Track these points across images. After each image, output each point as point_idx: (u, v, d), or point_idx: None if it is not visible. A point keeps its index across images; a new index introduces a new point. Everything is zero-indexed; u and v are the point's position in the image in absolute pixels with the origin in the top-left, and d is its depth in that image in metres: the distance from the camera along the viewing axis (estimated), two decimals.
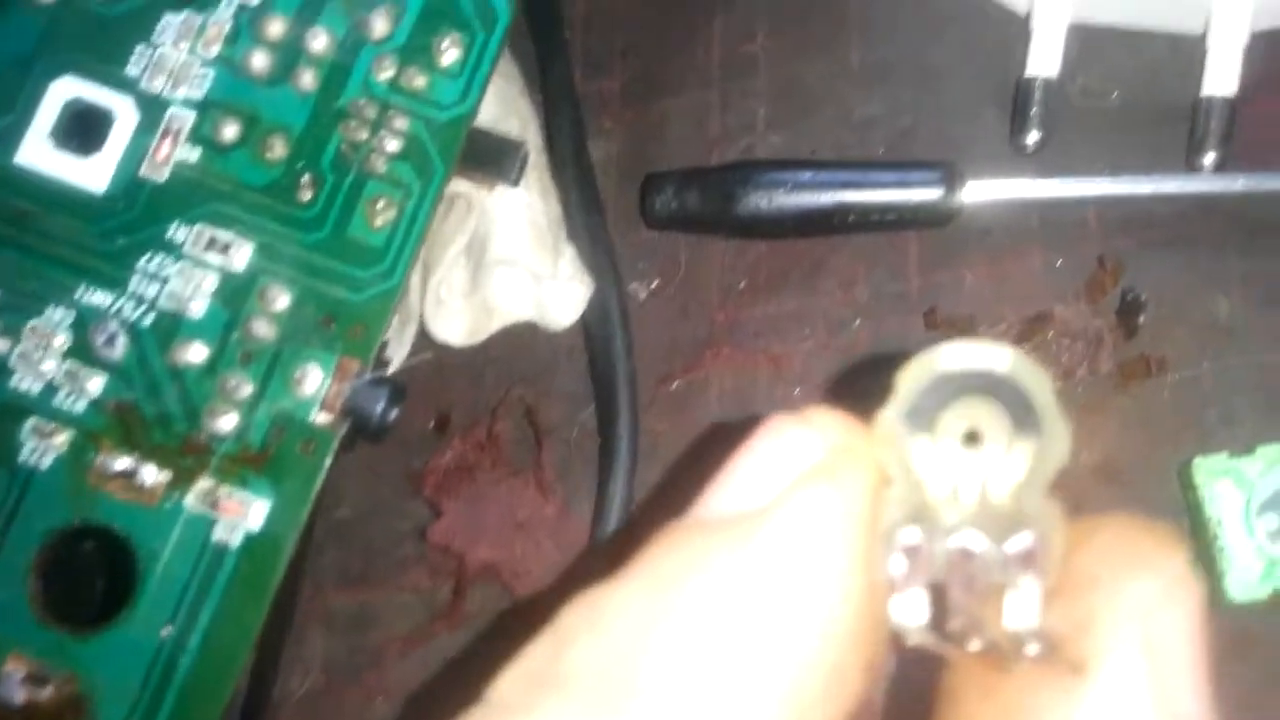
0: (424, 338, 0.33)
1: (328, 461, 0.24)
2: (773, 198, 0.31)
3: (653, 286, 0.34)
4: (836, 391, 0.31)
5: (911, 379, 0.15)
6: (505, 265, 0.31)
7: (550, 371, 0.34)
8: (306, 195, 0.24)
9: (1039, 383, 0.15)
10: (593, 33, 0.37)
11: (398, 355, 0.32)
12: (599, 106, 0.36)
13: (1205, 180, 0.29)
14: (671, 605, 0.13)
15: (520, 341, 0.34)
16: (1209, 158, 0.29)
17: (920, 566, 0.14)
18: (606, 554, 0.30)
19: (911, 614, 0.14)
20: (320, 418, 0.24)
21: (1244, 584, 0.26)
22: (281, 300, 0.24)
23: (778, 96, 0.34)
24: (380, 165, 0.25)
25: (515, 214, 0.32)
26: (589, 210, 0.34)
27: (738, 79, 0.35)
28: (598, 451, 0.32)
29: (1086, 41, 0.32)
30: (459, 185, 0.30)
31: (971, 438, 0.15)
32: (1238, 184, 0.29)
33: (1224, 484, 0.26)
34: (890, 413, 0.15)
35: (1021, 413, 0.15)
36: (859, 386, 0.31)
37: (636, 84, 0.36)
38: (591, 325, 0.33)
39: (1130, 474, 0.29)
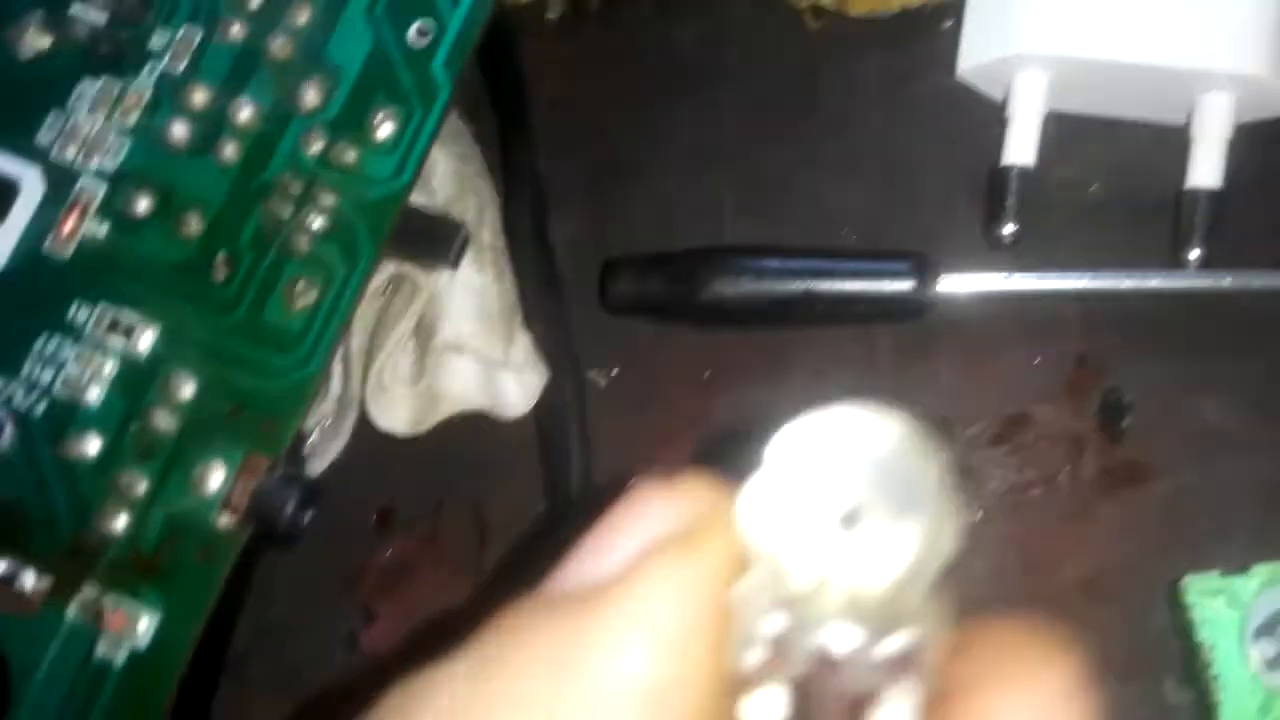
0: (367, 427, 0.30)
1: (226, 571, 0.21)
2: (738, 285, 0.29)
3: (613, 374, 0.31)
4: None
5: (783, 448, 0.13)
6: (454, 351, 0.29)
7: (502, 464, 0.31)
8: (221, 275, 0.22)
9: (927, 459, 0.13)
10: (559, 113, 0.35)
11: (336, 446, 0.29)
12: (563, 188, 0.34)
13: (1191, 277, 0.27)
14: (491, 687, 0.12)
15: (471, 431, 0.31)
16: (1194, 253, 0.27)
17: (780, 661, 0.12)
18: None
19: (765, 715, 0.12)
20: (221, 520, 0.21)
21: (1240, 717, 0.23)
22: (186, 389, 0.21)
23: (745, 183, 0.32)
24: (304, 245, 0.22)
25: (467, 298, 0.29)
26: (547, 294, 0.31)
27: (705, 164, 0.32)
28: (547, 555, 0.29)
29: (1066, 130, 0.30)
30: (403, 266, 0.27)
31: (850, 518, 0.12)
32: (1225, 281, 0.27)
33: (1217, 605, 0.23)
34: (756, 484, 0.13)
35: (908, 493, 0.12)
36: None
37: (602, 166, 0.34)
38: (545, 417, 0.30)
39: (1117, 589, 0.26)
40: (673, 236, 0.32)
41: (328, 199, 0.22)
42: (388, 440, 0.31)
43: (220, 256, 0.22)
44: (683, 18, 0.35)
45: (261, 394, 0.21)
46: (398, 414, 0.29)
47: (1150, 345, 0.27)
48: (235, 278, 0.22)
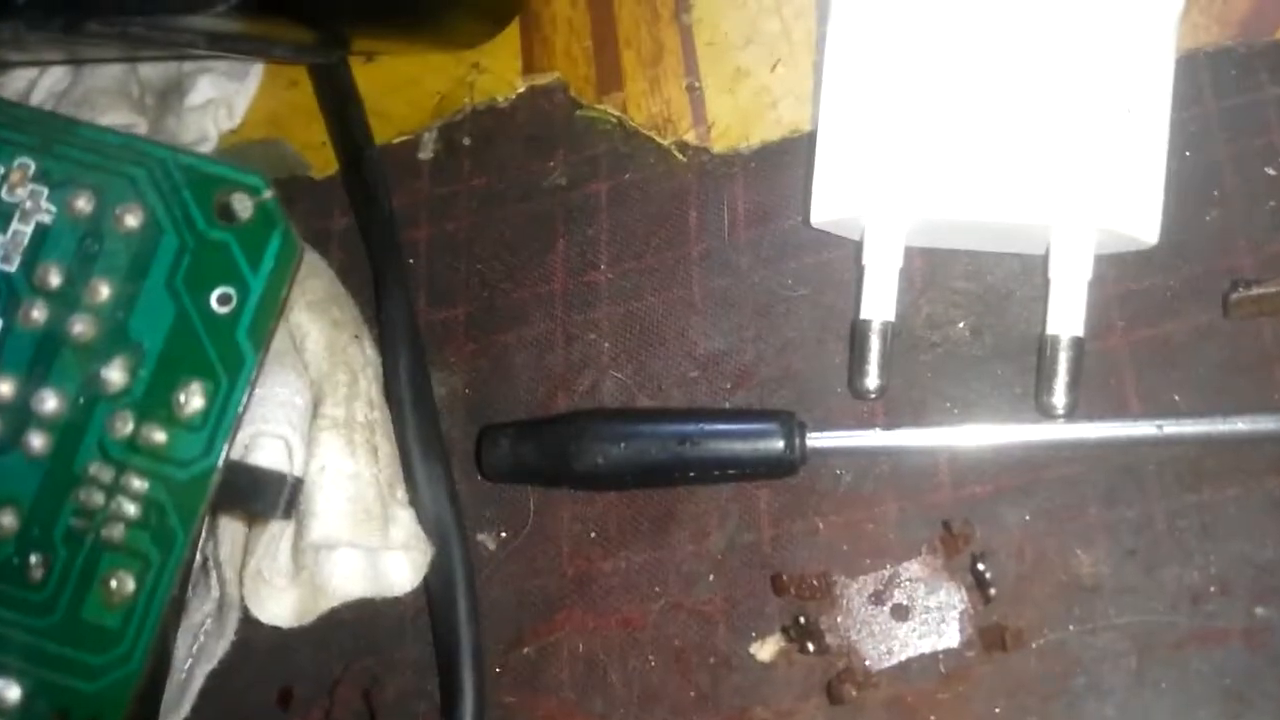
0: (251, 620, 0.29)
1: None
2: (608, 454, 0.28)
3: (501, 536, 0.31)
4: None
5: None
6: (329, 548, 0.28)
7: (396, 638, 0.31)
8: (38, 575, 0.21)
9: None
10: (437, 257, 0.34)
11: (221, 646, 0.29)
12: (443, 338, 0.33)
13: (1055, 429, 0.26)
14: None
15: (364, 606, 0.30)
16: (1059, 402, 0.26)
17: None
18: None
19: None
20: None
21: None
22: (11, 694, 0.21)
23: (621, 329, 0.31)
24: (117, 534, 0.22)
25: (335, 490, 0.28)
26: (430, 461, 0.30)
27: (581, 309, 0.32)
28: None
29: (931, 264, 0.29)
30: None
31: None
32: (1089, 432, 0.26)
33: None
34: None
35: None
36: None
37: (481, 314, 0.33)
38: (435, 592, 0.30)
39: None
40: (552, 388, 0.31)
41: (139, 484, 0.22)
42: (276, 629, 0.30)
43: (35, 556, 0.21)
44: (554, 154, 0.34)
45: (85, 697, 0.21)
46: (280, 609, 0.29)
47: (1021, 494, 0.27)
48: (51, 578, 0.21)
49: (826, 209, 0.28)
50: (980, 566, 0.26)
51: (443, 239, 0.34)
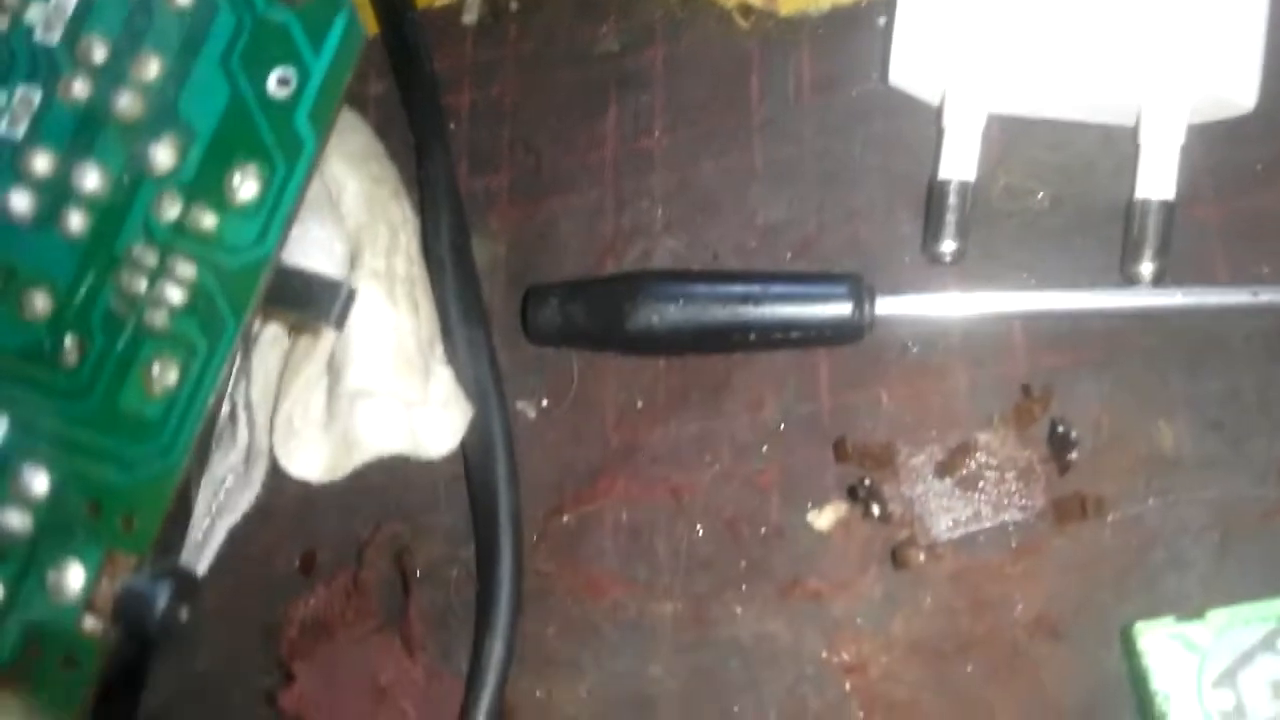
0: (281, 473, 0.28)
1: (92, 678, 0.19)
2: (665, 313, 0.26)
3: (543, 405, 0.29)
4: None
5: None
6: (365, 397, 0.26)
7: (429, 504, 0.29)
8: (72, 360, 0.19)
9: None
10: (480, 124, 0.32)
11: (248, 497, 0.27)
12: (485, 204, 0.31)
13: (1141, 295, 0.25)
14: None
15: (396, 469, 0.29)
16: (1146, 269, 0.25)
17: None
18: None
19: None
20: (85, 624, 0.19)
21: None
22: (39, 484, 0.19)
23: (675, 197, 0.29)
24: (160, 321, 0.20)
25: (377, 336, 0.26)
26: (470, 324, 0.29)
27: (633, 176, 0.30)
28: (476, 598, 0.27)
29: (1009, 134, 0.27)
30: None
31: None
32: (1177, 299, 0.24)
33: (1171, 651, 0.21)
34: None
35: None
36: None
37: (526, 180, 0.31)
38: (472, 455, 0.28)
39: (1070, 629, 0.24)
40: (600, 256, 0.30)
41: (186, 270, 0.20)
42: (306, 484, 0.28)
43: (70, 340, 0.19)
44: (605, 19, 0.32)
45: (121, 487, 0.19)
46: (311, 461, 0.27)
47: (1100, 365, 0.25)
48: (87, 362, 0.19)
49: (908, 66, 0.26)
50: (1060, 429, 0.24)
51: (486, 105, 0.32)
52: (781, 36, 0.30)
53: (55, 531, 0.19)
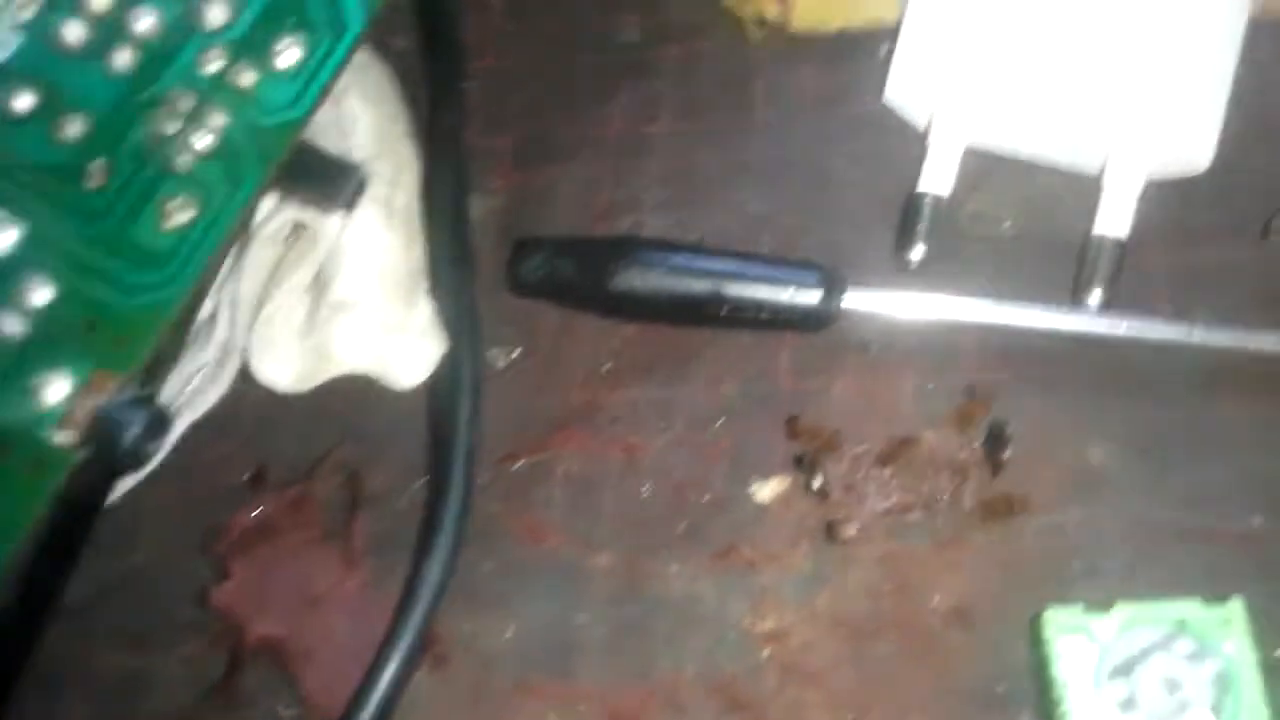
0: (250, 382, 0.28)
1: (53, 486, 0.19)
2: (647, 277, 0.28)
3: (513, 356, 0.30)
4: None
5: None
6: (348, 310, 0.27)
7: (387, 434, 0.29)
8: (96, 183, 0.20)
9: None
10: (494, 88, 0.33)
11: (214, 393, 0.27)
12: (488, 164, 0.32)
13: (1088, 320, 0.26)
14: None
15: (358, 395, 0.29)
16: (1094, 296, 0.26)
17: None
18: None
19: None
20: (58, 436, 0.19)
21: None
22: (42, 294, 0.19)
23: (670, 180, 0.31)
24: (186, 162, 0.20)
25: (369, 255, 0.27)
26: (457, 265, 0.29)
27: (633, 157, 0.31)
28: (419, 529, 0.27)
29: (984, 166, 0.29)
30: (304, 214, 0.26)
31: None
32: (1121, 328, 0.26)
33: (1075, 641, 0.22)
34: None
35: None
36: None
37: (530, 146, 0.32)
38: (438, 388, 0.28)
39: (983, 619, 0.25)
40: (591, 224, 0.31)
41: (218, 119, 0.21)
42: (269, 397, 0.29)
43: (97, 163, 0.20)
44: (629, 12, 0.33)
45: (119, 310, 0.20)
46: (283, 368, 0.27)
47: (1042, 382, 0.27)
48: (110, 187, 0.20)
49: (903, 81, 0.28)
50: (997, 432, 0.26)
51: (504, 72, 0.34)
52: (790, 51, 0.32)
53: (48, 342, 0.19)
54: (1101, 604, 0.22)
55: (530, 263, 0.29)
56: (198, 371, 0.28)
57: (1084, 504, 0.26)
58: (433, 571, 0.26)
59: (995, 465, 0.26)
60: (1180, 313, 0.27)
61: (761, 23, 0.32)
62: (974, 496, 0.26)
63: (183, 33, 0.21)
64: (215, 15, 0.21)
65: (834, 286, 0.27)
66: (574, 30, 0.34)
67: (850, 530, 0.26)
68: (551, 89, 0.33)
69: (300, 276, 0.27)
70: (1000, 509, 0.25)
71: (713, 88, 0.32)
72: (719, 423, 0.28)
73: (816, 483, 0.26)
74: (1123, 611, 0.22)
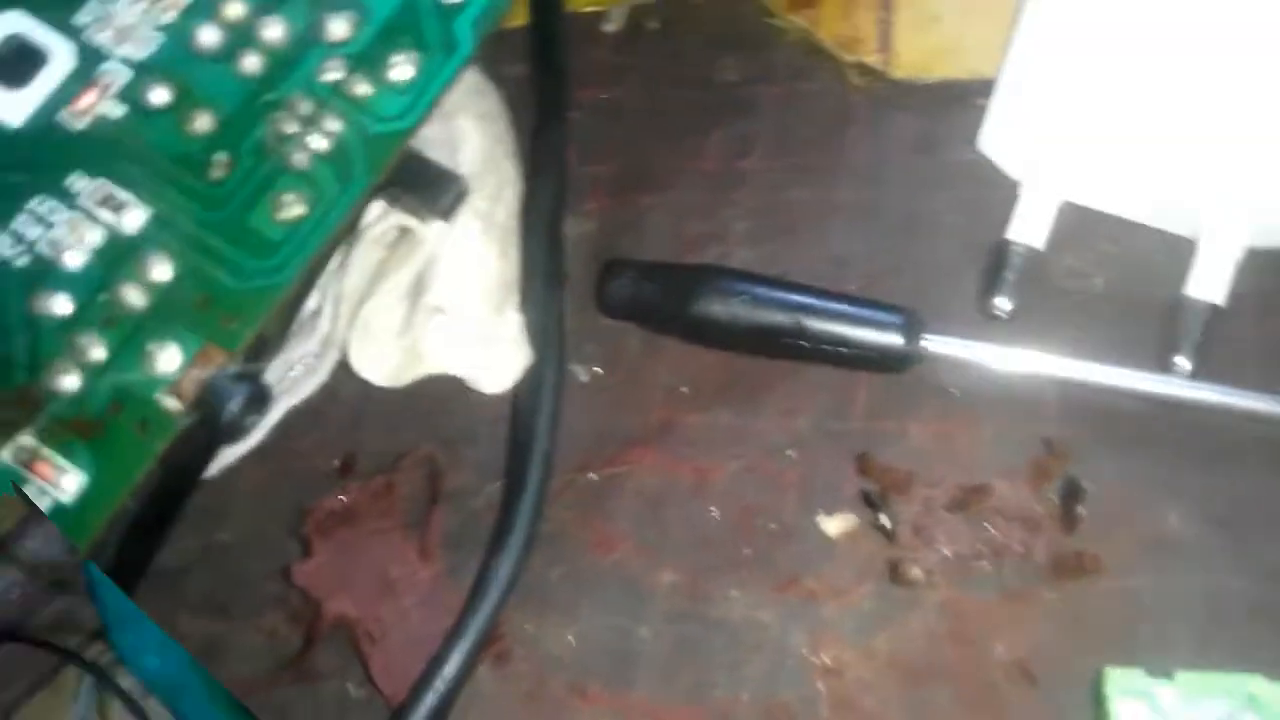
0: (346, 373, 0.29)
1: (159, 447, 0.20)
2: (729, 305, 0.28)
3: (595, 372, 0.30)
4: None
5: None
6: (442, 313, 0.28)
7: (469, 435, 0.30)
8: (218, 174, 0.21)
9: None
10: (597, 117, 0.34)
11: (313, 383, 0.29)
12: (585, 188, 0.33)
13: (1175, 384, 0.26)
14: None
15: (445, 396, 0.30)
16: (1183, 361, 0.26)
17: None
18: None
19: None
20: (167, 401, 0.21)
21: None
22: (161, 272, 0.21)
23: (760, 215, 0.31)
24: (301, 161, 0.22)
25: (467, 263, 0.28)
26: (549, 280, 0.30)
27: (725, 190, 0.32)
28: (493, 528, 0.28)
29: (1077, 221, 0.29)
30: (408, 219, 0.27)
31: None
32: (1207, 395, 0.25)
33: (1136, 706, 0.22)
34: None
35: None
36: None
37: (626, 174, 0.33)
38: (521, 395, 0.29)
39: (1045, 676, 0.25)
40: (679, 253, 0.31)
41: (333, 124, 0.22)
42: (362, 391, 0.30)
43: (221, 156, 0.21)
44: (732, 52, 0.34)
45: (230, 292, 0.21)
46: (378, 364, 0.29)
47: (1122, 442, 0.26)
48: (230, 179, 0.21)
49: (999, 130, 0.28)
50: (1073, 489, 0.25)
51: (606, 103, 0.35)
52: (888, 96, 0.32)
53: (165, 314, 0.21)
54: (1167, 671, 0.22)
55: (617, 283, 0.30)
56: (300, 360, 0.29)
57: (1157, 569, 0.25)
58: (502, 569, 0.27)
59: (1069, 522, 0.25)
60: (1268, 383, 0.26)
61: (862, 69, 0.33)
62: (1045, 551, 0.26)
63: (306, 43, 0.23)
64: (337, 29, 0.23)
65: (916, 329, 0.27)
66: (677, 67, 0.35)
67: (916, 573, 0.25)
68: (651, 121, 0.34)
69: (401, 278, 0.28)
70: (1071, 567, 0.25)
71: (808, 128, 0.33)
72: (790, 453, 0.28)
73: (885, 522, 0.26)
74: (1189, 680, 0.22)
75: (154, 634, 0.21)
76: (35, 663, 0.27)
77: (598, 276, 0.30)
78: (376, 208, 0.27)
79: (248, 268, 0.21)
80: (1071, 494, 0.25)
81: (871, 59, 0.33)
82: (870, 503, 0.26)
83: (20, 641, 0.26)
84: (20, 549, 0.26)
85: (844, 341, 0.28)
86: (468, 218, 0.29)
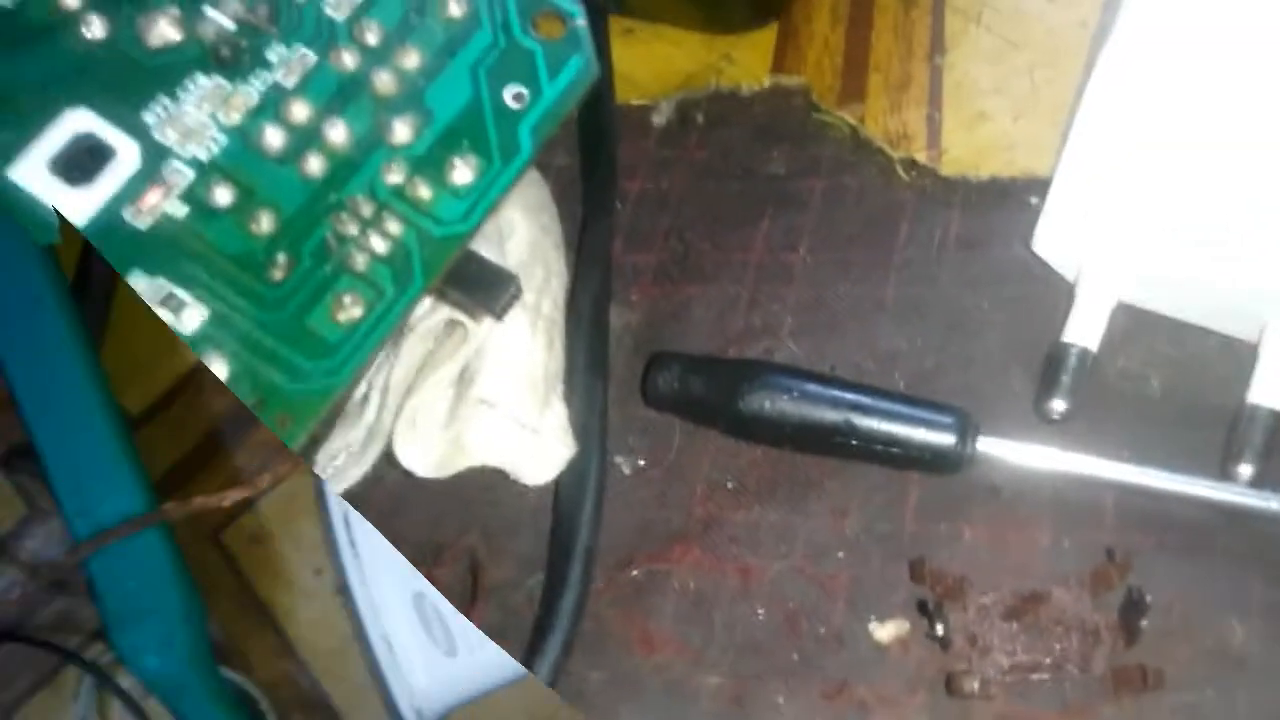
0: (389, 461, 0.29)
1: None
2: (776, 401, 0.28)
3: (639, 464, 0.30)
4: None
5: None
6: (488, 406, 0.28)
7: (511, 527, 0.30)
8: (278, 275, 0.21)
9: None
10: (643, 209, 0.34)
11: (356, 473, 0.28)
12: (630, 278, 0.33)
13: (1238, 492, 0.25)
14: None
15: (488, 488, 0.30)
16: (1246, 469, 0.25)
17: None
18: None
19: None
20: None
21: None
22: (218, 371, 0.20)
23: (807, 309, 0.31)
24: (360, 263, 0.22)
25: (512, 357, 0.28)
26: (593, 372, 0.30)
27: (771, 283, 0.32)
28: (533, 625, 0.27)
29: (1133, 322, 0.28)
30: (458, 314, 0.27)
31: None
32: (1272, 503, 0.25)
33: None
34: None
35: None
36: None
37: (672, 265, 0.33)
38: (564, 488, 0.29)
39: None
40: (725, 346, 0.31)
41: (394, 227, 0.22)
42: (404, 480, 0.30)
43: (281, 258, 0.21)
44: (779, 146, 0.34)
45: (285, 393, 0.21)
46: (423, 455, 0.28)
47: (1184, 551, 0.25)
48: (290, 280, 0.21)
49: (1055, 231, 0.28)
50: (1134, 601, 0.24)
51: (654, 194, 0.35)
52: (937, 193, 0.32)
53: None
54: None
55: (664, 376, 0.29)
56: (344, 450, 0.29)
57: (1222, 685, 0.24)
58: (541, 669, 0.26)
59: (1131, 634, 0.24)
60: None
61: (911, 165, 0.33)
62: (1106, 663, 0.25)
63: (369, 146, 0.23)
64: (400, 133, 0.23)
65: (969, 430, 0.27)
66: (724, 160, 0.35)
67: (972, 684, 0.25)
68: (697, 213, 0.34)
69: (447, 371, 0.28)
70: (1133, 680, 0.24)
71: (856, 222, 0.32)
72: (839, 555, 0.28)
73: (939, 630, 0.25)
74: None
75: (154, 634, 0.21)
76: (35, 663, 0.27)
77: (644, 369, 0.30)
78: (426, 302, 0.27)
79: (304, 369, 0.21)
80: (1133, 605, 0.25)
81: (920, 155, 0.33)
82: (924, 610, 0.25)
83: (20, 641, 0.26)
84: (20, 549, 0.26)
85: (896, 441, 0.27)
86: (516, 311, 0.29)
